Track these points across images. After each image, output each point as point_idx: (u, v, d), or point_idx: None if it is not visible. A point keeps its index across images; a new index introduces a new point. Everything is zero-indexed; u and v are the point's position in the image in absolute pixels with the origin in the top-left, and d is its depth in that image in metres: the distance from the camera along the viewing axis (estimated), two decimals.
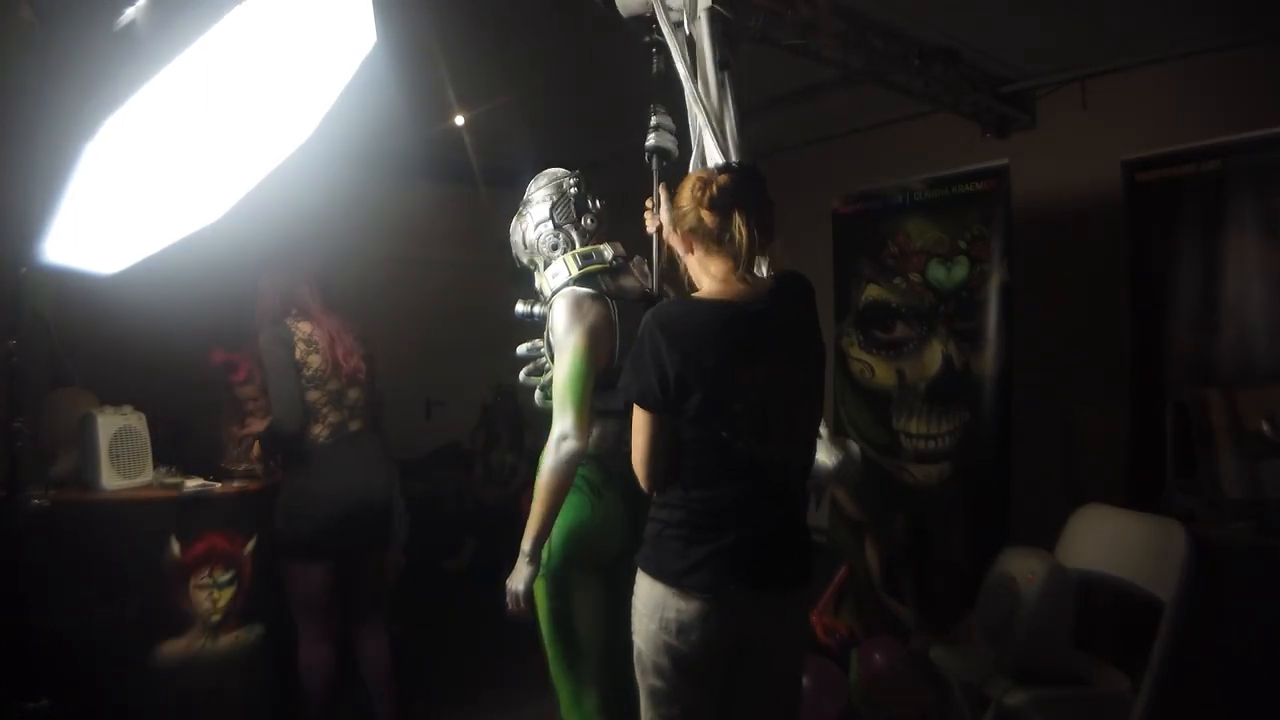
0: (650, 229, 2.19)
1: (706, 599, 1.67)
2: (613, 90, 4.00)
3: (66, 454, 2.98)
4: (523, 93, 4.06)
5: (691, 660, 1.70)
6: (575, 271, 2.16)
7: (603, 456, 2.12)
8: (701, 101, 2.23)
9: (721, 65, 2.29)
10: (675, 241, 1.82)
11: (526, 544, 2.01)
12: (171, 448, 3.25)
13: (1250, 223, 3.22)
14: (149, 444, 3.03)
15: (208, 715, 2.82)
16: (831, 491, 3.57)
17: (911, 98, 3.87)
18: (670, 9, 2.33)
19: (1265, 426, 2.82)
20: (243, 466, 3.22)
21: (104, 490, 2.87)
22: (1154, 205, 3.45)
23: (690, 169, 2.28)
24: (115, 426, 2.92)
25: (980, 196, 3.84)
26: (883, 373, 4.08)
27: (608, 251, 2.22)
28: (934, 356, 3.90)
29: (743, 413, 1.65)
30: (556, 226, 2.23)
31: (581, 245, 2.23)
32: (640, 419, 1.70)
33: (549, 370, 2.14)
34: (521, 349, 2.26)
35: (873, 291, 4.16)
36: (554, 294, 2.15)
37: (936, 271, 3.94)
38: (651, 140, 2.27)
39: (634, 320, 2.12)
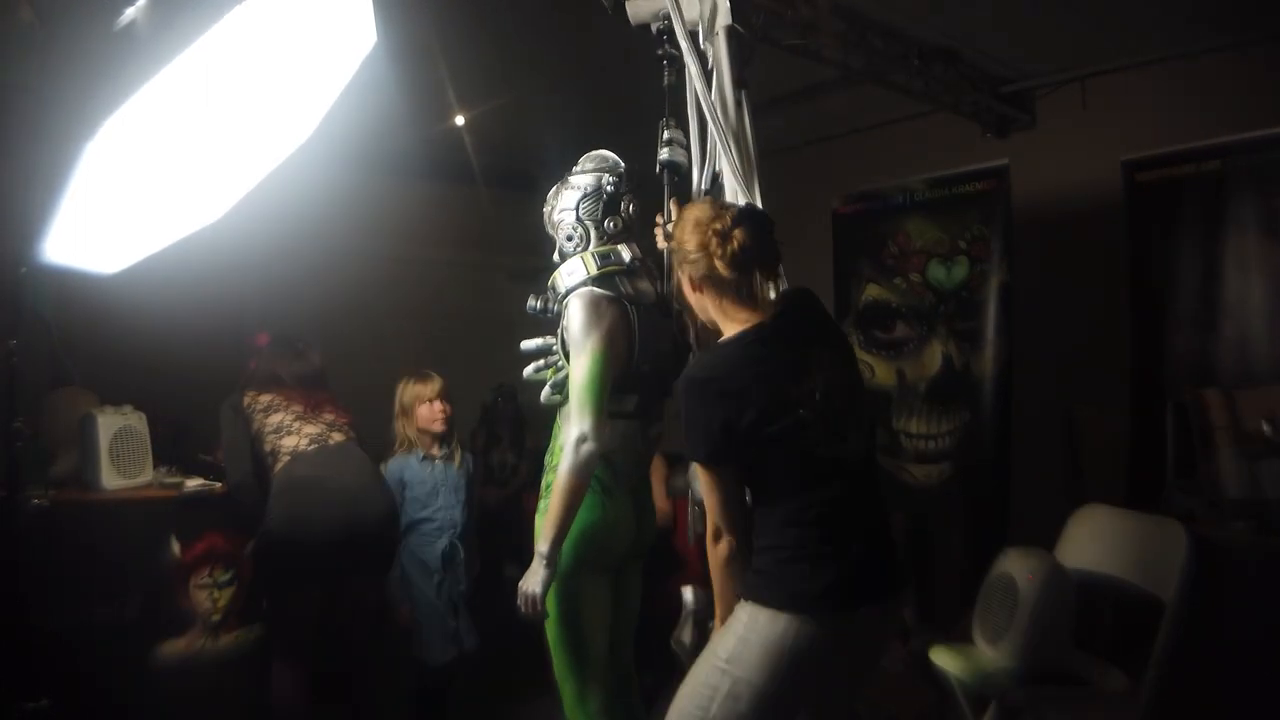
0: (661, 246, 2.18)
1: (839, 618, 1.64)
2: (613, 90, 4.01)
3: (66, 454, 2.99)
4: (523, 93, 4.06)
5: (808, 685, 1.68)
6: (593, 271, 2.13)
7: (612, 456, 2.11)
8: (718, 120, 2.20)
9: (738, 84, 2.27)
10: (681, 274, 1.80)
11: (544, 545, 1.98)
12: (171, 448, 3.25)
13: (1250, 223, 3.22)
14: (149, 444, 3.03)
15: (208, 715, 2.81)
16: None
17: (911, 98, 3.87)
18: (687, 20, 2.31)
19: (1265, 426, 2.82)
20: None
21: (104, 490, 2.87)
22: (1154, 205, 3.45)
23: (695, 184, 2.26)
24: (115, 426, 2.92)
25: (980, 196, 3.84)
26: (883, 373, 4.08)
27: (626, 254, 2.17)
28: (934, 356, 3.90)
29: (813, 420, 1.65)
30: (579, 219, 2.20)
31: (600, 245, 2.19)
32: (708, 479, 1.69)
33: (561, 368, 2.13)
34: (528, 344, 2.24)
35: (873, 291, 4.16)
36: (569, 292, 2.12)
37: (936, 271, 3.95)
38: (664, 155, 2.24)
39: (650, 324, 2.11)
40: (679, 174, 2.26)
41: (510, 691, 3.51)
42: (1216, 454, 2.93)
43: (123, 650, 2.72)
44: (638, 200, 2.26)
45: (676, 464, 3.64)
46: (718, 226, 1.70)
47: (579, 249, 2.18)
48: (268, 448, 2.72)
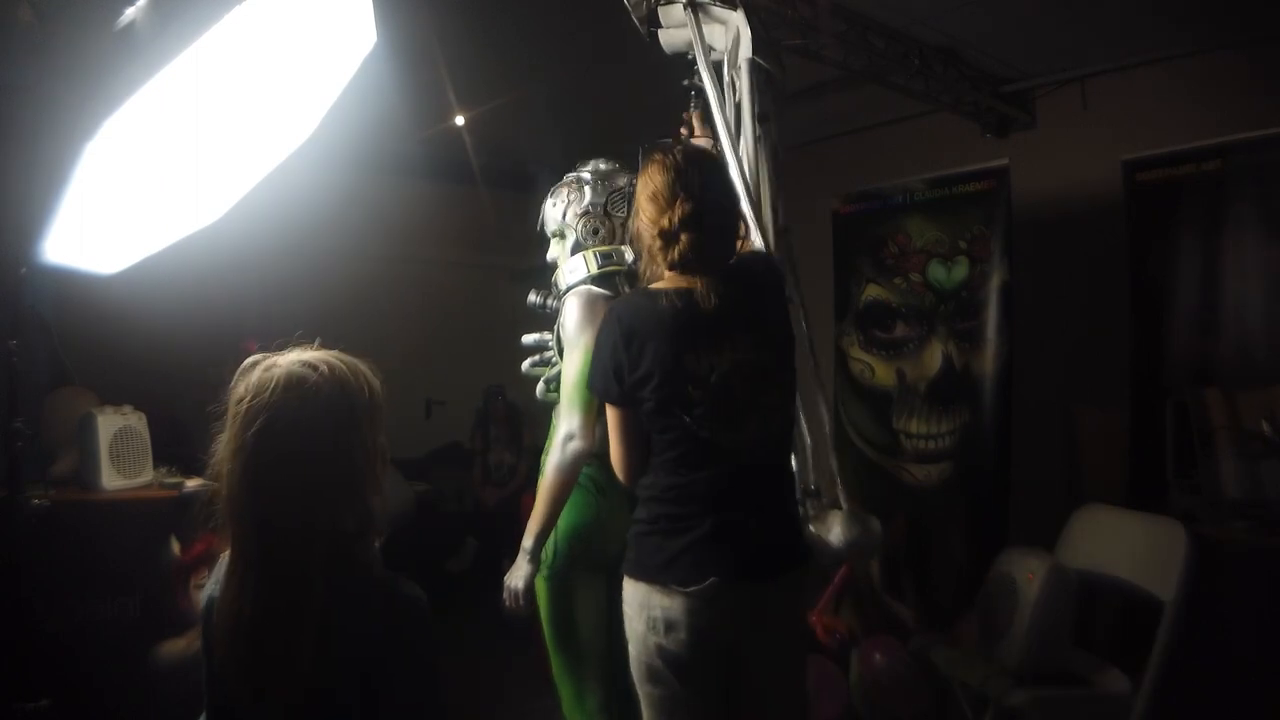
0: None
1: (690, 593, 1.63)
2: (615, 90, 4.01)
3: (66, 454, 2.98)
4: (523, 93, 4.06)
5: (684, 661, 1.66)
6: (594, 270, 2.13)
7: (606, 455, 2.11)
8: (730, 147, 2.22)
9: (761, 118, 2.28)
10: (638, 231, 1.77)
11: (528, 541, 2.01)
12: (171, 448, 3.24)
13: (1250, 223, 3.22)
14: (149, 444, 3.03)
15: None
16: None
17: (911, 98, 3.87)
18: (713, 50, 2.34)
19: (1265, 426, 2.82)
20: None
21: (104, 490, 2.86)
22: (1154, 205, 3.45)
23: None
24: (115, 426, 2.91)
25: (980, 196, 3.84)
26: (883, 373, 4.08)
27: (628, 253, 2.16)
28: (934, 356, 3.90)
29: (703, 399, 1.63)
30: (607, 214, 2.19)
31: (602, 244, 2.18)
32: (610, 414, 1.73)
33: (556, 364, 2.13)
34: (527, 339, 2.24)
35: (873, 291, 4.16)
36: (568, 290, 2.13)
37: (936, 271, 3.94)
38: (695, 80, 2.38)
39: None
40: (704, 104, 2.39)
41: (510, 691, 3.51)
42: (1217, 454, 2.93)
43: (123, 650, 2.72)
44: None
45: None
46: (664, 224, 1.65)
47: (602, 242, 2.18)
48: None
